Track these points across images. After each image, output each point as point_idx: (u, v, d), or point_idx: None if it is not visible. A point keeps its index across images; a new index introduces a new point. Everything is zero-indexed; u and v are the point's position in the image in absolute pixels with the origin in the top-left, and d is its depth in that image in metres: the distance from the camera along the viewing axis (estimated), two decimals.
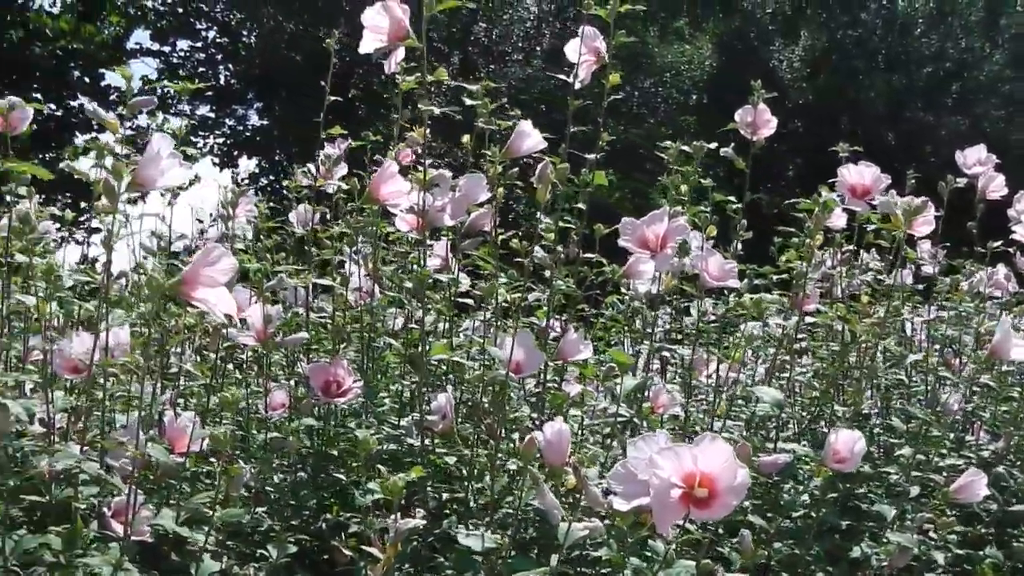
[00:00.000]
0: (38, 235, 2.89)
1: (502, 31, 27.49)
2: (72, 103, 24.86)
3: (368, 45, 3.07)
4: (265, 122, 29.05)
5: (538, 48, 28.37)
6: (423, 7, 3.05)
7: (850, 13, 29.73)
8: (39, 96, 24.33)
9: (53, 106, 24.58)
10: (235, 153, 28.83)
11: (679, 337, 4.62)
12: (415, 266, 3.96)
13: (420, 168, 3.28)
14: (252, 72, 28.20)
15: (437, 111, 3.21)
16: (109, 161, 2.65)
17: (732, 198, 4.22)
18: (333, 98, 3.94)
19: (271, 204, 5.00)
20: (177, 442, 3.15)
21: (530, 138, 3.33)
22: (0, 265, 3.38)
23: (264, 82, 27.61)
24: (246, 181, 28.40)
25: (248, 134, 28.94)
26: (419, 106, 3.15)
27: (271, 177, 28.82)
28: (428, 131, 3.44)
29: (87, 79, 24.76)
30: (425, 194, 3.27)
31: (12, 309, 3.34)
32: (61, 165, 3.54)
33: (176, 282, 2.18)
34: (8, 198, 3.30)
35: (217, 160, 28.92)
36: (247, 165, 29.14)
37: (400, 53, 3.22)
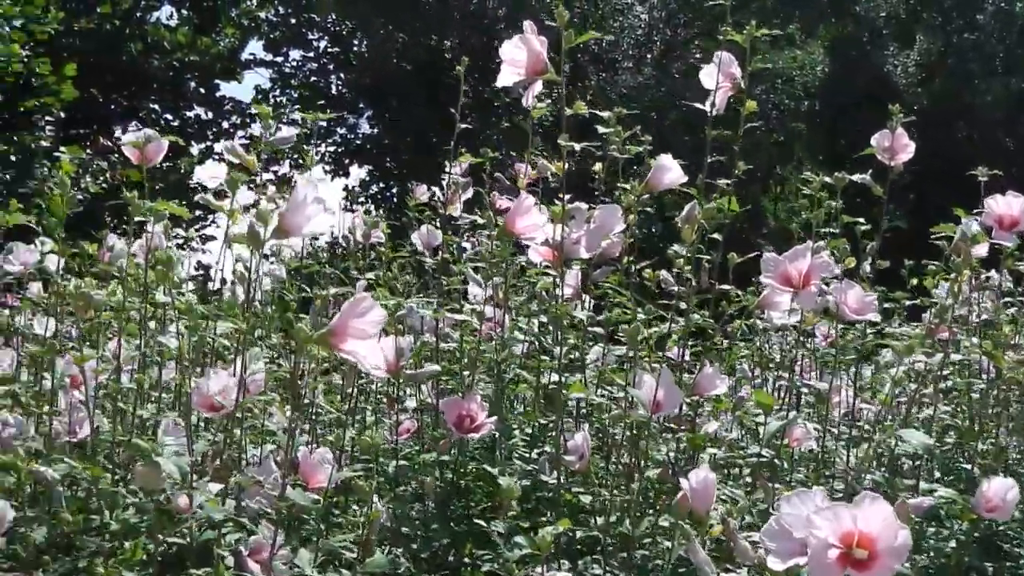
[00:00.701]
0: (178, 277, 2.89)
1: (612, 39, 27.37)
2: (188, 113, 25.40)
3: (506, 79, 3.03)
4: (376, 131, 29.29)
5: (648, 55, 28.21)
6: (561, 40, 3.00)
7: (966, 16, 29.05)
8: (156, 107, 24.93)
9: (170, 116, 25.15)
10: (346, 161, 29.12)
11: (806, 363, 4.50)
12: (545, 292, 3.92)
13: (557, 201, 3.22)
14: (363, 81, 28.44)
15: (577, 147, 3.15)
16: (236, 201, 2.64)
17: (861, 220, 4.10)
18: (463, 126, 3.90)
19: (391, 221, 4.99)
20: (311, 478, 3.13)
21: (671, 172, 3.26)
22: (140, 299, 3.42)
23: (375, 91, 27.83)
24: (357, 189, 28.69)
25: (359, 142, 29.21)
26: (559, 141, 3.10)
27: (381, 185, 29.06)
28: (556, 161, 3.39)
29: (203, 90, 25.25)
30: (561, 227, 3.21)
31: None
32: (196, 198, 3.56)
33: (325, 334, 2.15)
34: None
35: (329, 168, 29.22)
36: (358, 173, 29.44)
37: (537, 86, 3.17)
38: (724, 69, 3.53)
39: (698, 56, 29.98)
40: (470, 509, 3.50)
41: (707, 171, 3.38)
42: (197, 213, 23.91)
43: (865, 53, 28.73)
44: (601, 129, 3.57)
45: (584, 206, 3.38)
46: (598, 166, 3.78)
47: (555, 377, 3.45)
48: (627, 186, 3.38)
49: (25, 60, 15.90)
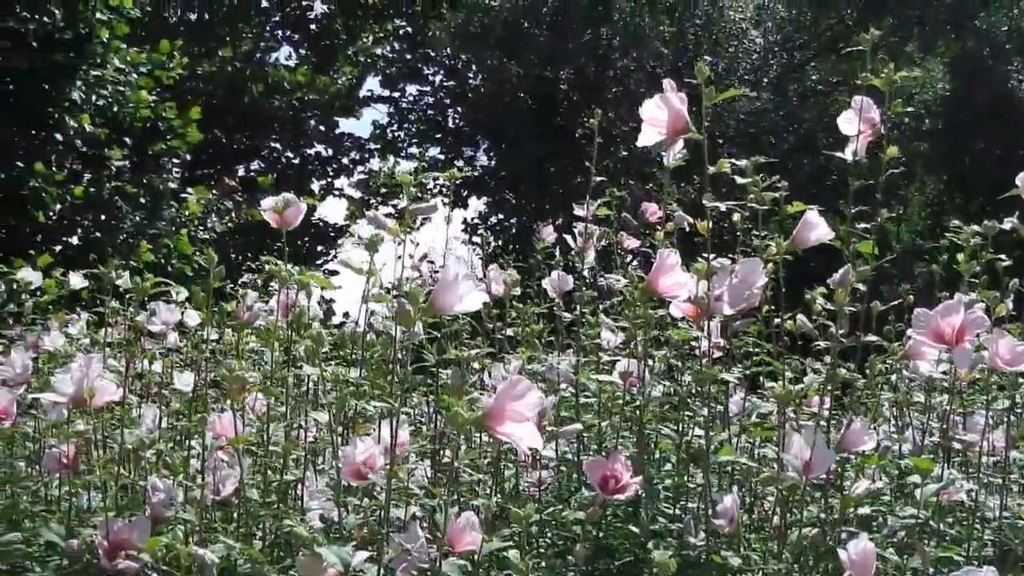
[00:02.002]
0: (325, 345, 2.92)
1: (728, 63, 27.19)
2: (308, 151, 25.91)
3: (647, 139, 3.01)
4: (493, 163, 29.48)
5: (764, 80, 27.94)
6: (702, 97, 2.97)
7: None
8: (277, 146, 25.45)
9: (291, 154, 25.67)
10: (464, 193, 29.39)
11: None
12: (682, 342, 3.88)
13: (703, 259, 3.18)
14: (479, 114, 28.67)
15: (723, 207, 3.11)
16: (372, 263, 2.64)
17: (1002, 256, 3.98)
18: (599, 178, 3.89)
19: (517, 264, 4.98)
20: (457, 542, 3.11)
21: (817, 228, 3.19)
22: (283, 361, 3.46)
23: (491, 123, 28.04)
24: (476, 220, 28.89)
25: (477, 175, 29.47)
26: (704, 201, 3.06)
27: (499, 216, 29.21)
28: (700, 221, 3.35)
29: (322, 127, 25.75)
30: (707, 286, 3.17)
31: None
32: (333, 265, 3.58)
33: (481, 417, 2.14)
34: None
35: (446, 201, 29.49)
36: (477, 205, 29.65)
37: (679, 145, 3.13)
38: (863, 114, 3.45)
39: (814, 78, 29.64)
40: (613, 568, 3.46)
41: (850, 222, 3.30)
42: (319, 248, 24.40)
43: (987, 68, 28.07)
44: (739, 180, 3.52)
45: (727, 262, 3.33)
46: (736, 216, 3.72)
47: (699, 432, 3.40)
48: (768, 241, 3.31)
49: (152, 105, 16.38)
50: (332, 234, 24.90)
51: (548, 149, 24.20)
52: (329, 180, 26.41)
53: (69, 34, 14.85)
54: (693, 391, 3.73)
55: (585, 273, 4.30)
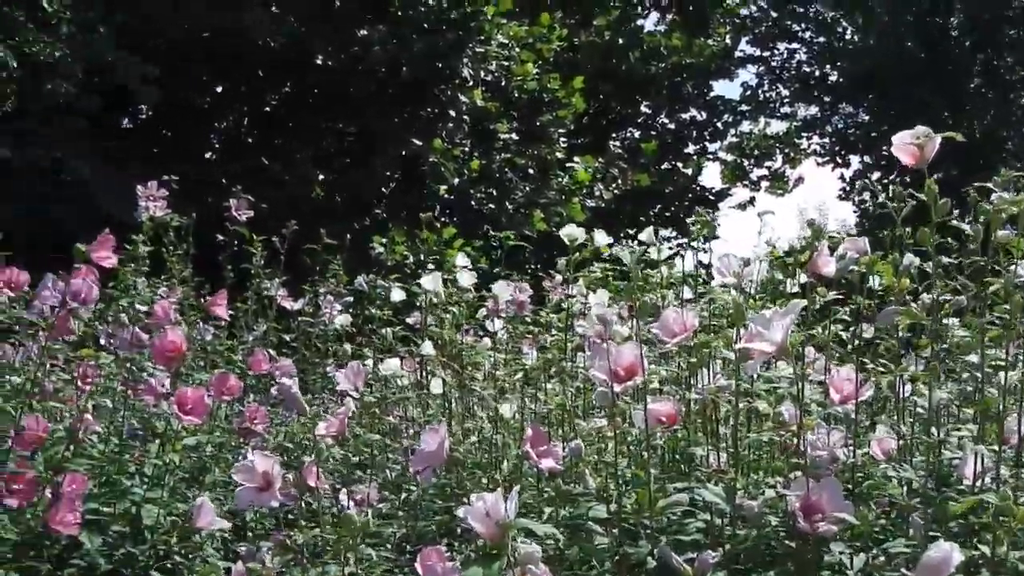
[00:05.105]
0: None
1: None
2: (683, 116, 25.77)
3: None
4: (871, 118, 28.20)
5: None
6: None
7: None
8: (650, 111, 25.46)
9: (665, 120, 25.62)
10: (843, 152, 28.32)
11: None
12: None
13: None
14: (858, 68, 27.42)
15: None
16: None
17: None
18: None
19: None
20: None
21: None
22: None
23: (868, 78, 26.80)
24: (856, 180, 27.82)
25: (857, 132, 28.29)
26: None
27: (878, 174, 27.97)
28: None
29: (696, 91, 25.54)
30: None
31: None
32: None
33: None
34: None
35: (821, 161, 28.60)
36: (854, 163, 28.53)
37: None
38: None
39: None
40: None
41: None
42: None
43: None
44: None
45: None
46: None
47: None
48: None
49: (537, 77, 16.71)
50: (712, 198, 24.60)
51: (937, 102, 22.86)
52: (703, 144, 26.14)
53: (455, 13, 15.32)
54: None
55: None
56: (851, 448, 2.78)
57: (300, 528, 2.70)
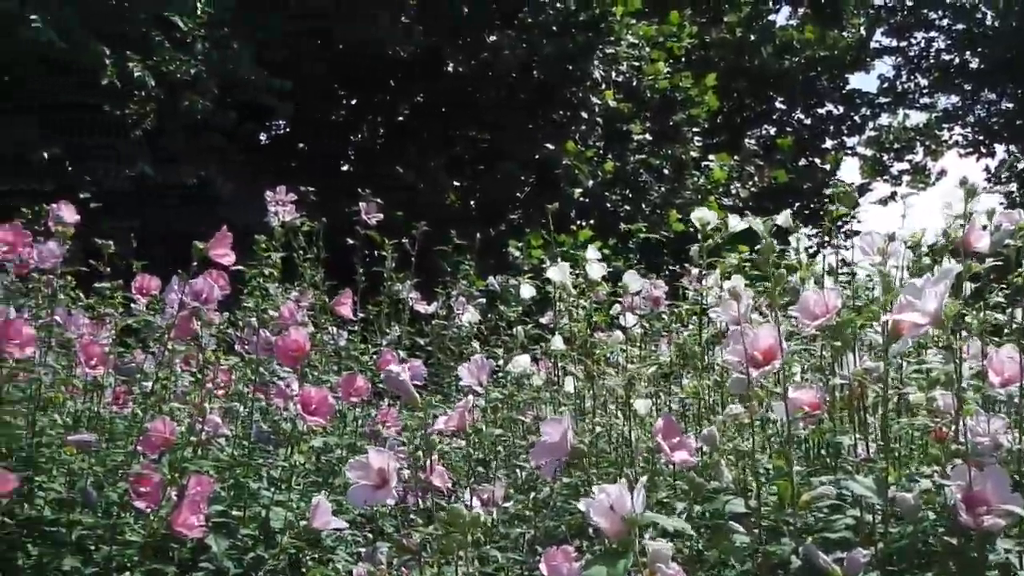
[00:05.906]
0: None
1: None
2: (819, 110, 25.21)
3: None
4: (1014, 105, 27.12)
5: None
6: None
7: None
8: (785, 107, 24.97)
9: (801, 115, 25.11)
10: (987, 141, 27.31)
11: None
12: None
13: None
14: (999, 53, 26.45)
15: None
16: None
17: None
18: None
19: None
20: None
21: None
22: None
23: (1011, 62, 25.81)
24: (1001, 170, 26.84)
25: (1001, 120, 27.26)
26: None
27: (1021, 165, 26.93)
28: None
29: (832, 85, 24.98)
30: None
31: None
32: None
33: None
34: None
35: (963, 152, 27.63)
36: (999, 152, 27.49)
37: None
38: None
39: None
40: None
41: None
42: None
43: None
44: None
45: None
46: None
47: None
48: None
49: (668, 76, 16.51)
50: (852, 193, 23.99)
51: None
52: (841, 139, 25.55)
53: (584, 15, 15.21)
54: None
55: None
56: (1016, 435, 2.56)
57: (417, 528, 2.60)
